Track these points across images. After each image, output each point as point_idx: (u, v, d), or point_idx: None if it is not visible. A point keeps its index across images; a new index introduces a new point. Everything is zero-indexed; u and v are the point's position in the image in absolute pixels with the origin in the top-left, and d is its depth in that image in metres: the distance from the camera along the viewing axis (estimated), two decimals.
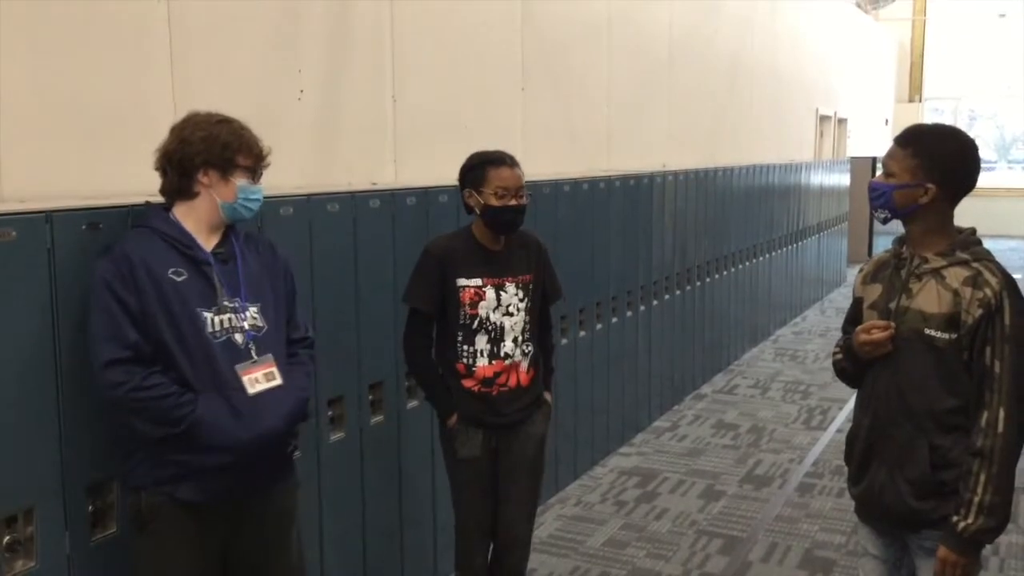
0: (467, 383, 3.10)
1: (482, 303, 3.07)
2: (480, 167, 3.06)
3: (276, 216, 2.97)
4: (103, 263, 2.31)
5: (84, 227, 2.39)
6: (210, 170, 2.39)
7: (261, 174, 2.50)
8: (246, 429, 2.32)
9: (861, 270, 2.55)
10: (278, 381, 2.40)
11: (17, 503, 2.27)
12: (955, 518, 2.22)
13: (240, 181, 2.42)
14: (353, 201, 3.33)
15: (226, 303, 2.38)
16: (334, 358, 3.24)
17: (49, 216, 2.31)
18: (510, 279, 3.12)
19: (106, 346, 2.25)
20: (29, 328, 2.28)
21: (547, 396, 3.28)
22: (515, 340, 3.12)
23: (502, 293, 3.10)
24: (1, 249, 2.21)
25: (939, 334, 2.25)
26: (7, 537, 2.24)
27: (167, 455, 2.31)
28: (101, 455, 2.45)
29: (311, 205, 3.13)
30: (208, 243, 2.43)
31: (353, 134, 3.83)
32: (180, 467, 2.32)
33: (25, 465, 2.28)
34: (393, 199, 3.53)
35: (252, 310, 2.42)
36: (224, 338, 2.35)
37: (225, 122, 2.42)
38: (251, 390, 2.35)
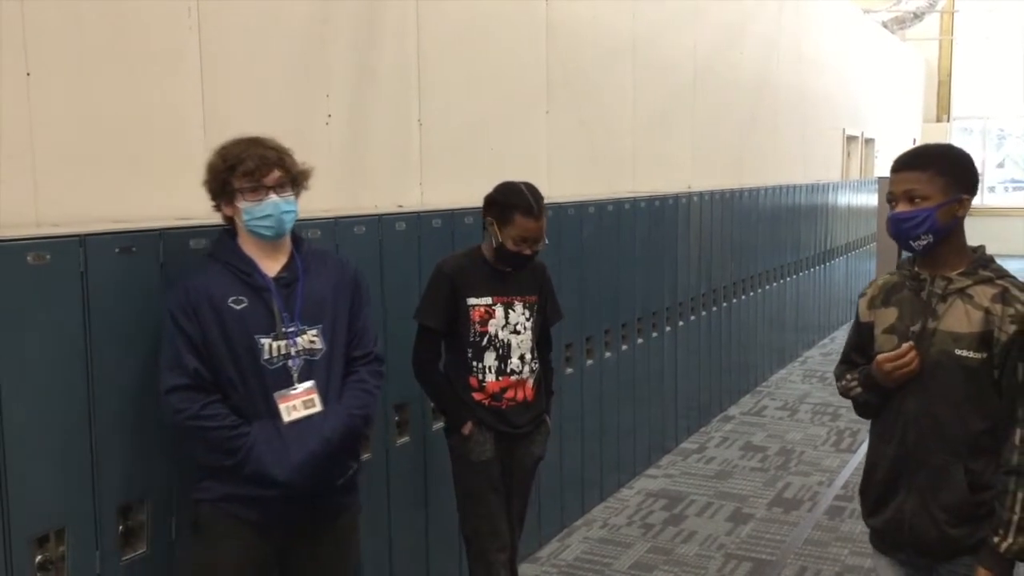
0: (478, 396, 3.19)
1: (492, 321, 3.15)
2: (510, 209, 3.08)
3: None
4: (169, 294, 2.37)
5: (117, 251, 2.42)
6: (221, 200, 2.43)
7: (278, 186, 2.37)
8: (289, 456, 2.34)
9: (863, 295, 2.49)
10: (317, 408, 2.41)
11: (48, 523, 2.29)
12: (995, 539, 2.18)
13: (242, 203, 2.39)
14: (379, 223, 3.36)
15: (284, 329, 2.39)
16: None
17: (82, 240, 2.35)
18: (518, 298, 3.20)
19: (168, 374, 2.32)
20: (62, 351, 2.31)
21: (547, 419, 3.36)
22: (521, 358, 3.19)
23: (511, 312, 3.18)
24: (35, 272, 2.24)
25: (971, 354, 2.22)
26: (39, 557, 2.27)
27: (228, 478, 2.35)
28: (132, 476, 2.47)
29: (338, 228, 3.16)
30: (272, 266, 2.44)
31: (380, 157, 3.87)
32: (240, 489, 2.36)
33: (57, 486, 2.31)
34: (419, 221, 3.56)
35: (311, 333, 2.43)
36: (279, 364, 2.38)
37: (220, 149, 2.41)
38: (287, 418, 2.37)
